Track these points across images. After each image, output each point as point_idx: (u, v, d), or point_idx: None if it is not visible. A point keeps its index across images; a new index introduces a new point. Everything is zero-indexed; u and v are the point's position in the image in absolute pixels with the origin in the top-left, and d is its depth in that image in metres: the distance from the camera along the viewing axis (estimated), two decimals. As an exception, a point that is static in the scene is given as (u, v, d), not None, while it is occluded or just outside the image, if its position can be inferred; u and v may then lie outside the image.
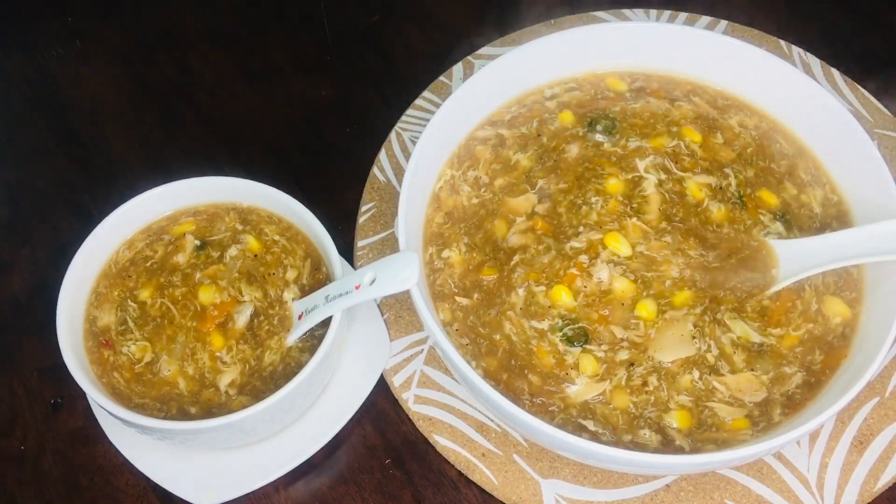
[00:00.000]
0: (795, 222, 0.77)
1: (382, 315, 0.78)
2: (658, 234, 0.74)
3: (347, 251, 0.83)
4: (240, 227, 0.75)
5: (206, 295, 0.72)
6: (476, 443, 0.72)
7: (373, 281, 0.65)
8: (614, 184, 0.77)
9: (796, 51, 0.95)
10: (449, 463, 0.72)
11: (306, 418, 0.72)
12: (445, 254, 0.75)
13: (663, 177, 0.78)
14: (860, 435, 0.72)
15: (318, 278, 0.73)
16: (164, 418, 0.67)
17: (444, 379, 0.75)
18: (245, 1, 1.06)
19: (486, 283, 0.74)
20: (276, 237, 0.75)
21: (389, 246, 0.82)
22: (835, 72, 0.93)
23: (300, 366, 0.67)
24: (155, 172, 0.91)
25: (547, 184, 0.78)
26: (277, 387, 0.65)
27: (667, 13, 0.99)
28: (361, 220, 0.84)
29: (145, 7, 1.05)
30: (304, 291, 0.72)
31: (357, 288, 0.66)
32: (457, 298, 0.73)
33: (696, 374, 0.69)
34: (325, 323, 0.68)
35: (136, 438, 0.71)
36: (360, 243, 0.82)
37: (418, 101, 0.91)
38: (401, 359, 0.76)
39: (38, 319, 0.81)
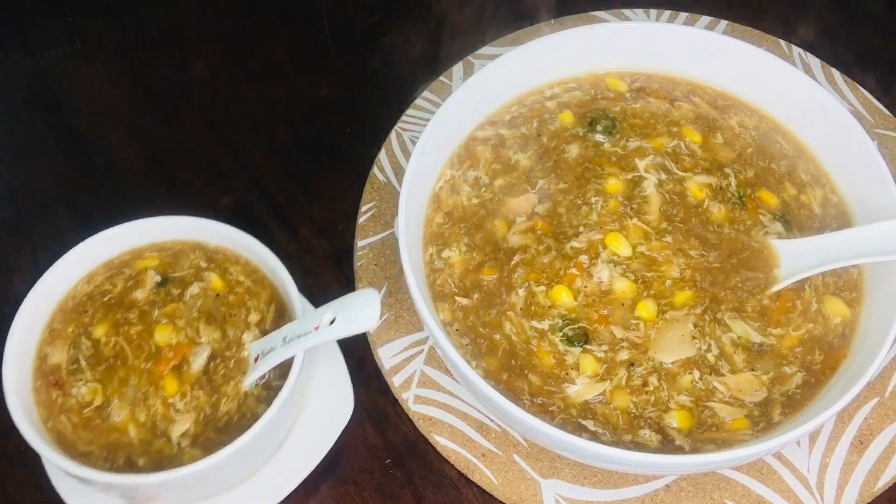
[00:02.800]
0: (795, 222, 0.77)
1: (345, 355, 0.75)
2: (658, 235, 0.74)
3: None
4: (204, 265, 0.72)
5: (163, 335, 0.68)
6: (476, 443, 0.72)
7: (332, 321, 0.62)
8: (614, 184, 0.77)
9: (796, 51, 0.95)
10: (449, 463, 0.72)
11: (263, 472, 0.69)
12: (445, 254, 0.75)
13: (663, 177, 0.78)
14: (860, 435, 0.72)
15: (281, 323, 0.69)
16: (110, 469, 0.62)
17: (444, 379, 0.75)
18: (245, 1, 1.06)
19: (486, 283, 0.74)
20: (241, 278, 0.71)
21: (389, 246, 0.82)
22: (835, 72, 0.93)
23: (257, 417, 0.62)
24: (155, 172, 0.91)
25: (547, 184, 0.78)
26: (233, 439, 0.61)
27: (667, 13, 0.99)
28: (361, 220, 0.84)
29: (145, 7, 1.05)
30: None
31: (316, 329, 0.62)
32: (457, 298, 0.73)
33: (697, 374, 0.69)
34: (284, 374, 0.64)
35: (79, 489, 0.67)
36: (360, 243, 0.82)
37: (418, 101, 0.91)
38: (401, 359, 0.76)
39: (38, 319, 0.81)
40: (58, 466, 0.60)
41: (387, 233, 0.83)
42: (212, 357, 0.67)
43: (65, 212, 0.88)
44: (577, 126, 0.82)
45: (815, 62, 0.94)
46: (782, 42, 0.95)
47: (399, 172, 0.86)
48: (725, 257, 0.74)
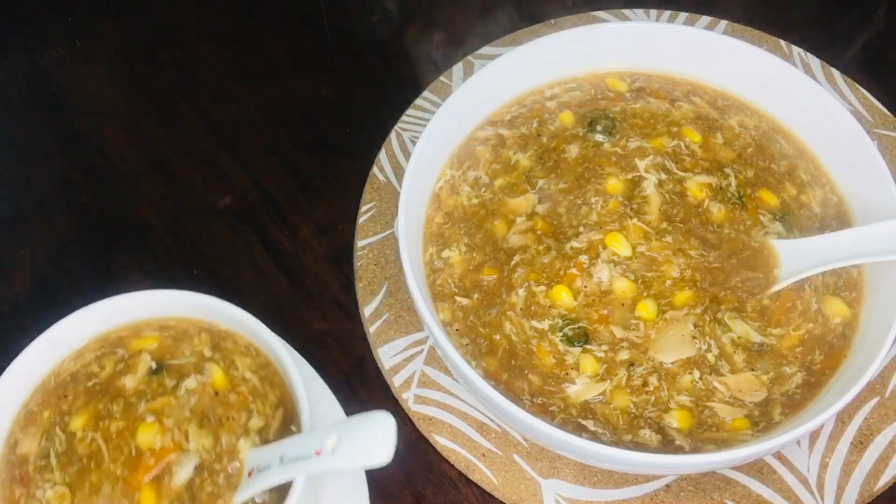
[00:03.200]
0: (795, 222, 0.77)
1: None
2: (658, 235, 0.74)
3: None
4: (208, 354, 0.62)
5: (146, 435, 0.58)
6: (476, 443, 0.72)
7: (336, 447, 0.52)
8: (614, 184, 0.77)
9: (796, 51, 0.95)
10: (449, 463, 0.72)
11: None
12: (445, 254, 0.75)
13: (663, 177, 0.78)
14: (860, 435, 0.72)
15: (287, 433, 0.59)
16: None
17: (445, 379, 0.75)
18: (245, 1, 1.06)
19: (486, 283, 0.74)
20: (248, 374, 0.61)
21: (389, 246, 0.82)
22: (835, 72, 0.93)
23: None
24: (155, 172, 0.91)
25: (547, 184, 0.78)
26: None
27: (667, 13, 0.99)
28: (361, 220, 0.84)
29: (145, 7, 1.05)
30: None
31: (318, 453, 0.52)
32: (457, 298, 0.73)
33: (697, 374, 0.69)
34: (283, 498, 0.54)
35: None
36: (360, 243, 0.82)
37: (418, 101, 0.91)
38: (401, 359, 0.76)
39: (38, 319, 0.81)
40: None
41: (387, 233, 0.83)
42: (199, 468, 0.57)
43: (65, 212, 0.88)
44: (577, 126, 0.82)
45: (815, 62, 0.94)
46: (782, 42, 0.95)
47: (399, 172, 0.86)
48: (725, 257, 0.74)
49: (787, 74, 0.80)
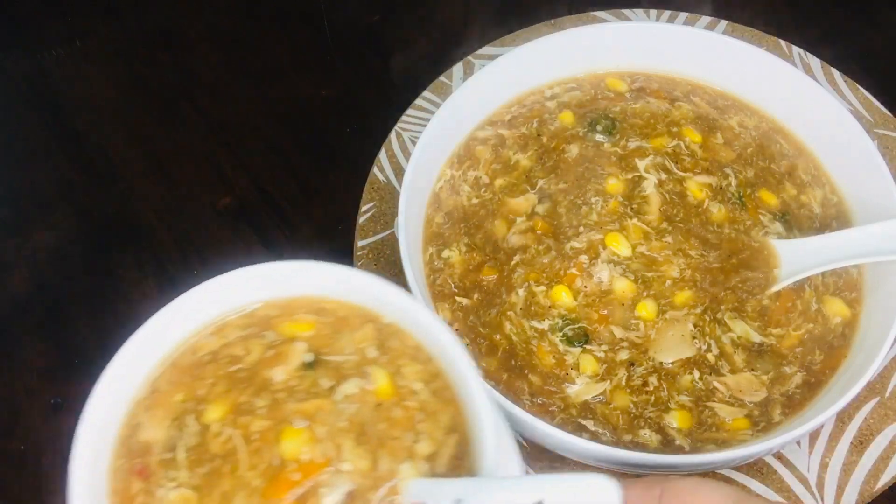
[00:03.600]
0: (795, 222, 0.77)
1: None
2: (658, 235, 0.74)
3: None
4: (372, 354, 0.50)
5: (293, 443, 0.46)
6: (476, 443, 0.72)
7: None
8: (614, 184, 0.77)
9: (796, 51, 0.95)
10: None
11: None
12: (445, 254, 0.75)
13: (663, 177, 0.78)
14: (860, 435, 0.72)
15: (458, 468, 0.47)
16: None
17: (445, 379, 0.75)
18: (245, 1, 1.06)
19: (487, 283, 0.74)
20: (417, 385, 0.49)
21: (389, 246, 0.82)
22: (835, 72, 0.93)
23: None
24: (155, 172, 0.91)
25: (547, 184, 0.78)
26: None
27: (667, 13, 0.99)
28: (361, 220, 0.84)
29: (145, 7, 1.05)
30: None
31: None
32: (457, 298, 0.73)
33: (697, 374, 0.69)
34: None
35: None
36: (360, 243, 0.82)
37: (418, 101, 0.91)
38: (401, 359, 0.76)
39: (38, 319, 0.81)
40: None
41: (387, 233, 0.83)
42: (351, 496, 0.45)
43: (65, 212, 0.88)
44: (577, 126, 0.82)
45: (814, 62, 0.94)
46: (782, 42, 0.95)
47: (399, 172, 0.86)
48: (725, 257, 0.74)
49: (787, 74, 0.80)
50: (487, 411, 0.46)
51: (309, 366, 0.50)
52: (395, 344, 0.51)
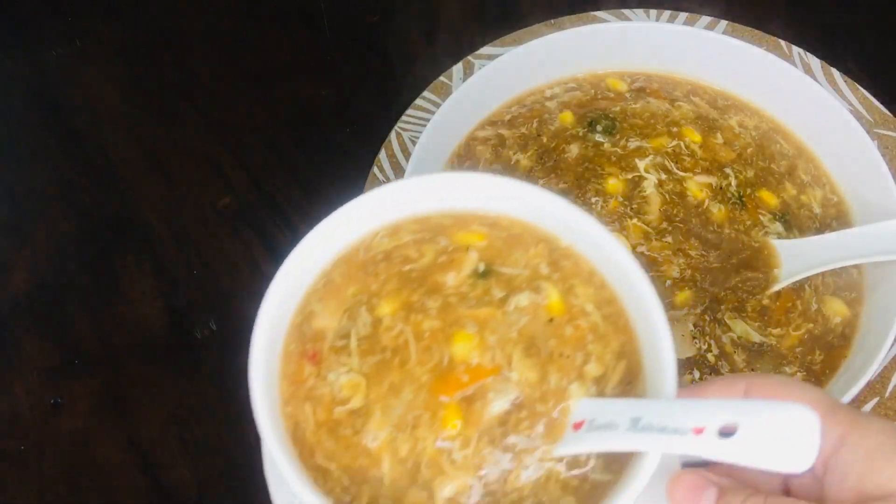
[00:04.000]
0: (795, 223, 0.77)
1: None
2: (658, 235, 0.74)
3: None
4: (544, 271, 0.50)
5: (463, 346, 0.47)
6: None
7: (731, 433, 0.38)
8: (614, 184, 0.77)
9: (796, 51, 0.95)
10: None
11: None
12: (445, 254, 0.75)
13: (663, 177, 0.78)
14: (860, 435, 0.72)
15: (626, 394, 0.47)
16: None
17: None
18: (245, 1, 1.06)
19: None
20: (589, 307, 0.49)
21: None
22: (835, 72, 0.93)
23: None
24: (155, 172, 0.91)
25: (547, 184, 0.78)
26: None
27: (667, 13, 0.99)
28: (361, 220, 0.84)
29: (145, 7, 1.05)
30: None
31: (697, 432, 0.39)
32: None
33: (697, 374, 0.69)
34: (610, 467, 0.44)
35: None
36: (360, 243, 0.82)
37: (418, 101, 0.91)
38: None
39: (38, 319, 0.81)
40: (283, 473, 0.42)
41: (387, 233, 0.83)
42: (517, 405, 0.46)
43: (64, 212, 0.88)
44: (576, 126, 0.82)
45: (815, 62, 0.94)
46: (782, 42, 0.95)
47: (399, 172, 0.86)
48: (725, 257, 0.74)
49: (788, 74, 0.80)
50: (668, 335, 0.45)
51: (481, 275, 0.50)
52: (569, 265, 0.50)
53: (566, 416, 0.45)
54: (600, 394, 0.46)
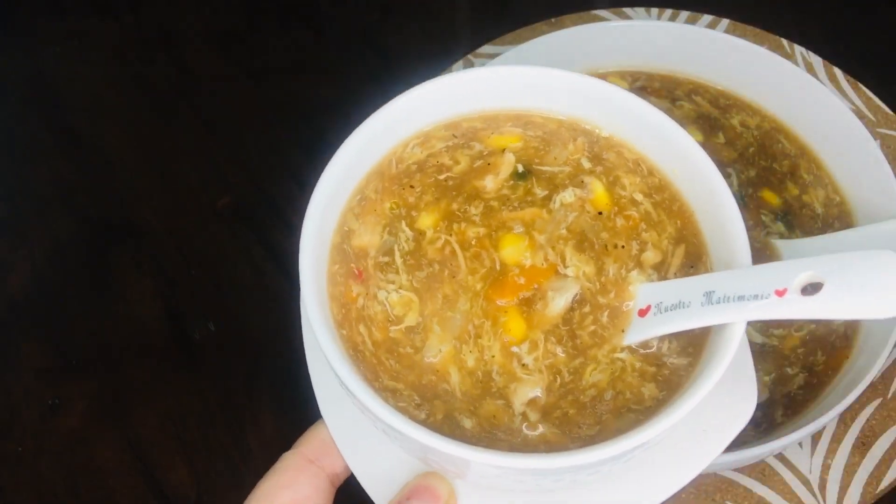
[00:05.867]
0: (797, 223, 0.77)
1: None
2: (659, 234, 0.74)
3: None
4: (587, 165, 0.49)
5: (513, 249, 0.46)
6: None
7: (817, 288, 0.38)
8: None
9: (798, 50, 0.94)
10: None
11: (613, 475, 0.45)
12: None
13: (664, 176, 0.77)
14: (862, 436, 0.71)
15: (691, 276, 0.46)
16: (426, 423, 0.42)
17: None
18: (245, 1, 1.06)
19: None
20: (638, 196, 0.48)
21: (389, 246, 0.82)
22: (837, 71, 0.93)
23: (638, 400, 0.43)
24: (154, 172, 0.91)
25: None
26: (600, 421, 0.43)
27: (668, 12, 0.98)
28: (361, 220, 0.84)
29: (144, 6, 1.05)
30: None
31: (779, 293, 0.38)
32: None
33: (698, 374, 0.68)
34: (686, 350, 0.43)
35: (366, 434, 0.46)
36: (359, 243, 0.82)
37: (418, 101, 0.91)
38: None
39: (37, 320, 0.81)
40: (362, 404, 0.39)
41: (386, 233, 0.83)
42: (578, 301, 0.45)
43: (62, 212, 0.88)
44: (577, 125, 0.82)
45: (816, 61, 0.93)
46: (784, 41, 0.95)
47: (399, 172, 0.86)
48: (727, 257, 0.74)
49: (789, 73, 0.80)
50: (733, 203, 0.44)
51: (520, 176, 0.49)
52: (611, 156, 0.49)
53: (630, 304, 0.45)
54: (662, 279, 0.45)
